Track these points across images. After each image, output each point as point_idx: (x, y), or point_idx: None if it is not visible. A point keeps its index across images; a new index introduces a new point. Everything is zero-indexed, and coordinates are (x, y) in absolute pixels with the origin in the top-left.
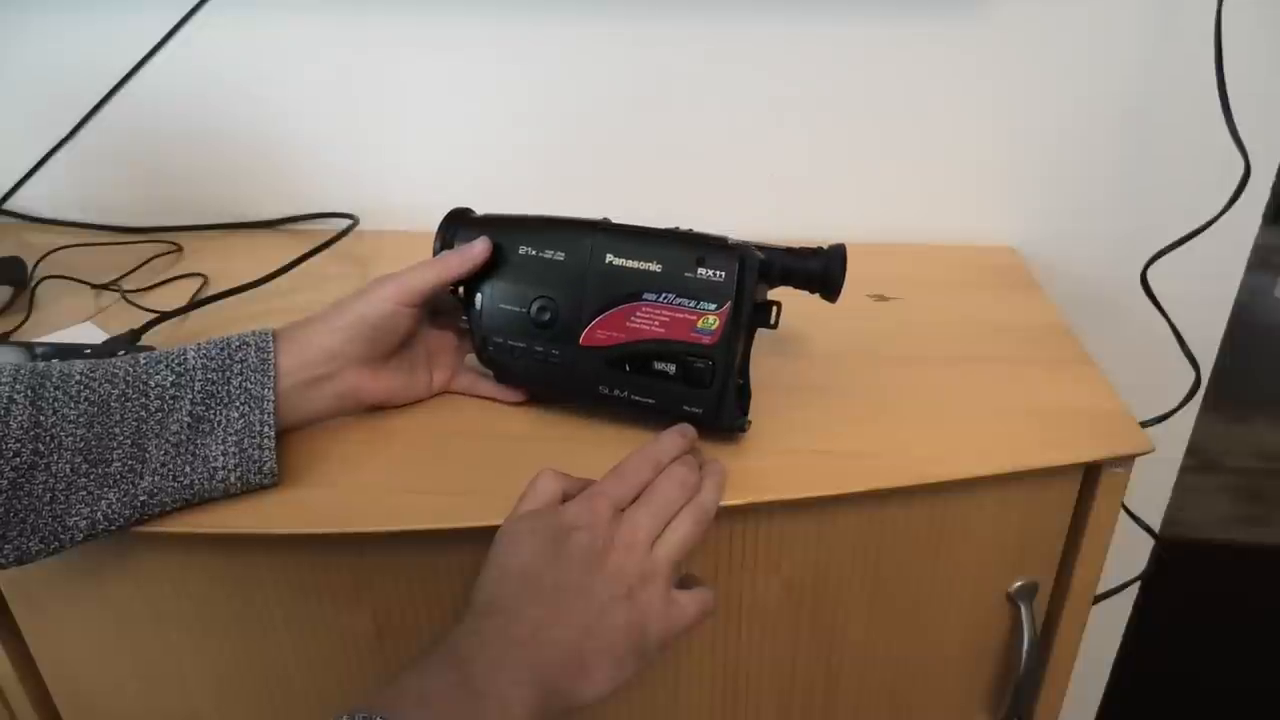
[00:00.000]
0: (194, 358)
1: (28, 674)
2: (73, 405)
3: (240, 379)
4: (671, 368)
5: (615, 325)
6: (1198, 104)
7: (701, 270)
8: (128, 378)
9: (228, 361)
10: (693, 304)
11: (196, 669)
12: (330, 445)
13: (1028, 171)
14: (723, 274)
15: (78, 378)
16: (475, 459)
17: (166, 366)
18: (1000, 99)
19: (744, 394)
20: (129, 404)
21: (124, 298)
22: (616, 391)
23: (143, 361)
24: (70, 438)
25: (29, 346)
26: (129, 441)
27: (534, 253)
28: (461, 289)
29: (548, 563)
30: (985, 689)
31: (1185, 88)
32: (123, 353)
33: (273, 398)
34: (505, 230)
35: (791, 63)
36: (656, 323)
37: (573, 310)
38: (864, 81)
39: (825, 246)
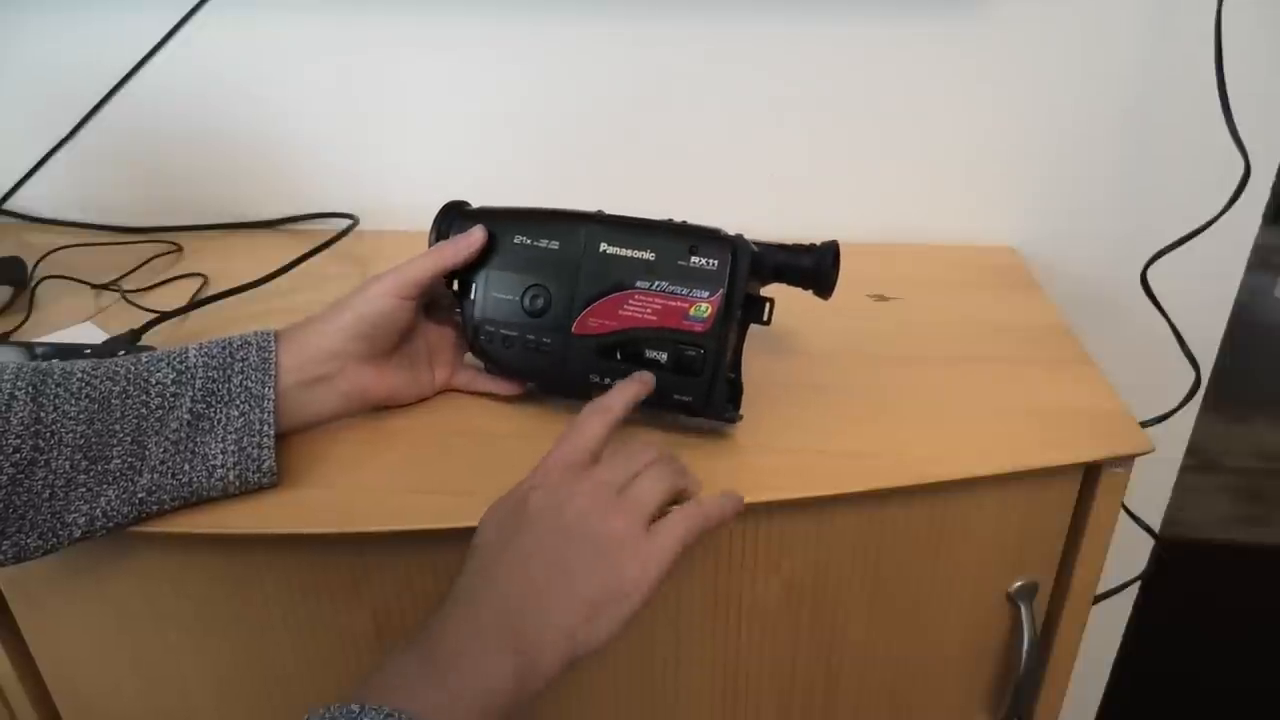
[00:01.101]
0: (195, 356)
1: (27, 672)
2: (73, 402)
3: (241, 377)
4: (663, 356)
5: (607, 313)
6: (1197, 104)
7: (694, 259)
8: (129, 375)
9: (229, 360)
10: (685, 291)
11: (196, 668)
12: (330, 445)
13: (1028, 171)
14: (715, 262)
15: (79, 375)
16: (475, 459)
17: (167, 365)
18: (1000, 99)
19: (735, 390)
20: (129, 401)
21: (124, 298)
22: (607, 380)
23: (144, 360)
24: (70, 434)
25: (29, 346)
26: (129, 439)
27: (528, 241)
28: (457, 283)
29: (512, 532)
30: (985, 689)
31: (1185, 88)
32: (123, 353)
33: (273, 396)
34: (500, 221)
35: (791, 63)
36: (649, 311)
37: (565, 298)
38: (864, 81)
39: (818, 243)
